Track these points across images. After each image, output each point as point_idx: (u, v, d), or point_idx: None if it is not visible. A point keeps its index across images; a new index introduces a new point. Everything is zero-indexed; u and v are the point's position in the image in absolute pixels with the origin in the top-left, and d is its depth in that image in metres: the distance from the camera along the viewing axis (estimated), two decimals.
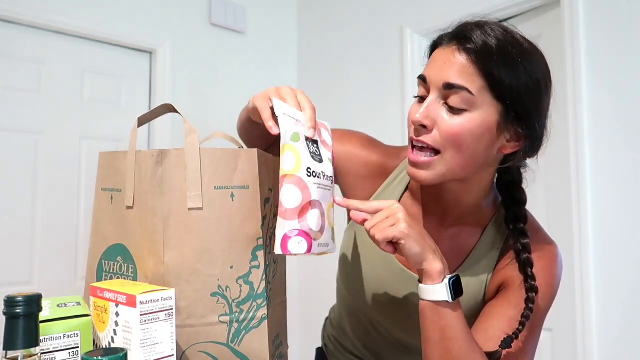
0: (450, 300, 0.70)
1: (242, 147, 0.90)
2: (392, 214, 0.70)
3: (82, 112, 2.37)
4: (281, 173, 0.66)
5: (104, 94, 2.44)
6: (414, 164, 0.75)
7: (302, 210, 0.66)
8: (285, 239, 0.65)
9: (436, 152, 0.73)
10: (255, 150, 0.76)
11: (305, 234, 0.66)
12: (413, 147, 0.76)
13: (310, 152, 0.70)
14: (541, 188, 1.91)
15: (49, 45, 2.28)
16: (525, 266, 0.77)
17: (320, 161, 0.71)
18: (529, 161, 0.81)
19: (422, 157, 0.74)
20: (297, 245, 0.65)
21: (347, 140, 0.91)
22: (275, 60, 3.01)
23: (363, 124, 2.59)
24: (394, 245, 0.71)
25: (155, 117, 0.82)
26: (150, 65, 2.59)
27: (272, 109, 0.71)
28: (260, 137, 0.87)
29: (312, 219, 0.67)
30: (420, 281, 0.73)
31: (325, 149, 0.74)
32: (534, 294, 0.75)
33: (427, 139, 0.73)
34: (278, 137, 0.69)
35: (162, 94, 2.54)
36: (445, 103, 0.72)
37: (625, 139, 1.72)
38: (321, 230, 0.68)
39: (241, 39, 2.87)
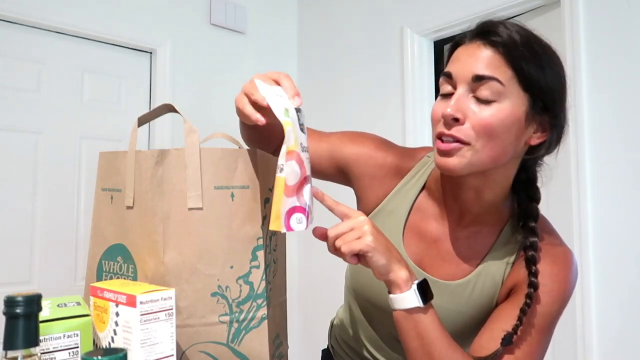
0: (421, 305, 0.71)
1: (242, 147, 0.90)
2: (357, 226, 0.70)
3: (82, 112, 2.37)
4: (286, 150, 0.65)
5: (104, 94, 2.44)
6: (444, 153, 0.75)
7: (299, 187, 0.66)
8: (287, 216, 0.64)
9: (465, 144, 0.74)
10: (255, 150, 0.76)
11: (303, 210, 0.66)
12: (442, 140, 0.75)
13: (299, 124, 0.69)
14: (541, 188, 1.90)
15: (49, 45, 2.28)
16: (530, 263, 0.77)
17: (304, 132, 0.70)
18: (546, 159, 0.83)
19: (452, 145, 0.74)
20: (298, 222, 0.65)
21: (360, 143, 0.91)
22: (275, 60, 3.01)
23: (363, 124, 2.59)
24: (358, 257, 0.71)
25: (155, 117, 0.82)
26: (150, 65, 2.59)
27: (253, 103, 0.69)
28: (263, 140, 0.87)
29: (307, 194, 0.67)
30: (389, 292, 0.73)
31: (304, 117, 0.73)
32: (532, 290, 0.75)
33: (459, 132, 0.73)
34: (281, 137, 0.68)
35: (162, 94, 2.54)
36: (474, 95, 0.73)
37: (625, 139, 1.72)
38: (313, 203, 0.68)
39: (241, 39, 2.87)
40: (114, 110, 2.47)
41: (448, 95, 0.76)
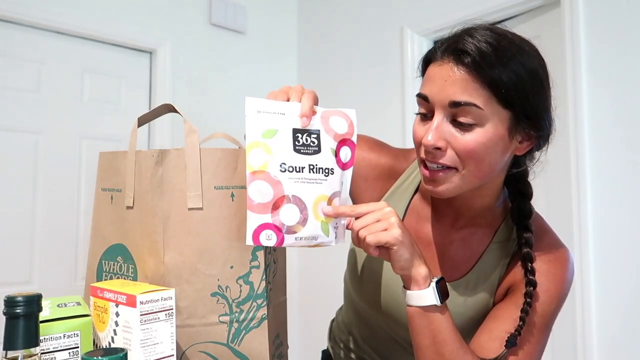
0: (438, 303, 0.70)
1: (242, 147, 0.90)
2: (384, 218, 0.69)
3: (82, 112, 2.37)
4: (249, 170, 0.67)
5: (104, 94, 2.44)
6: (431, 180, 0.74)
7: (275, 205, 0.67)
8: (257, 232, 0.67)
9: (452, 169, 0.72)
10: None
11: (276, 228, 0.67)
12: (426, 166, 0.74)
13: (297, 145, 0.70)
14: (541, 188, 1.90)
15: (49, 45, 2.28)
16: (525, 260, 0.77)
17: (315, 152, 0.71)
18: (537, 154, 0.81)
19: (438, 173, 0.73)
20: (267, 238, 0.67)
21: None
22: (275, 60, 3.01)
23: (363, 124, 2.59)
24: (380, 248, 0.70)
25: (155, 117, 0.82)
26: (150, 65, 2.59)
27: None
28: None
29: (286, 214, 0.68)
30: (405, 287, 0.73)
31: (331, 137, 0.73)
32: (532, 288, 0.75)
33: (444, 160, 0.72)
34: None
35: (162, 94, 2.54)
36: (454, 120, 0.71)
37: (625, 139, 1.72)
38: (301, 223, 0.68)
39: (241, 39, 2.87)
40: (113, 110, 2.47)
41: (426, 117, 0.74)
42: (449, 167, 0.72)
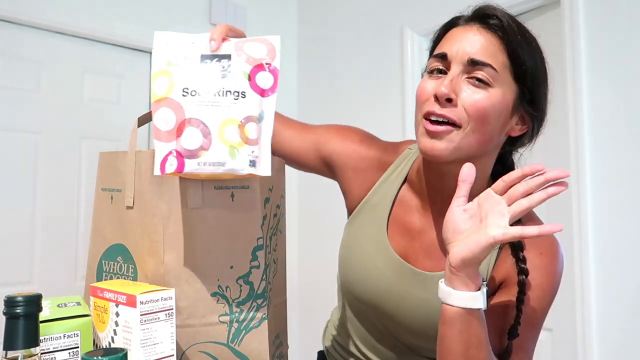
0: (484, 307, 0.68)
1: None
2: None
3: (82, 112, 2.37)
4: (153, 99, 0.66)
5: (104, 94, 2.44)
6: (433, 134, 0.74)
7: (178, 131, 0.65)
8: (164, 161, 0.64)
9: (456, 126, 0.73)
10: None
11: (178, 154, 0.65)
12: (430, 120, 0.75)
13: (204, 71, 0.68)
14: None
15: (49, 45, 2.28)
16: (516, 249, 0.77)
17: (224, 76, 0.68)
18: (521, 150, 0.84)
19: (442, 127, 0.73)
20: (170, 165, 0.64)
21: (344, 136, 0.92)
22: None
23: (363, 124, 2.59)
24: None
25: None
26: (150, 66, 2.59)
27: None
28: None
29: (187, 138, 0.65)
30: (449, 286, 0.68)
31: (243, 61, 0.70)
32: (524, 277, 0.75)
33: (451, 113, 0.73)
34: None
35: None
36: (468, 78, 0.73)
37: (626, 139, 1.72)
38: (205, 148, 0.65)
39: None
40: (114, 110, 2.47)
41: (438, 75, 0.76)
42: (453, 124, 0.73)
